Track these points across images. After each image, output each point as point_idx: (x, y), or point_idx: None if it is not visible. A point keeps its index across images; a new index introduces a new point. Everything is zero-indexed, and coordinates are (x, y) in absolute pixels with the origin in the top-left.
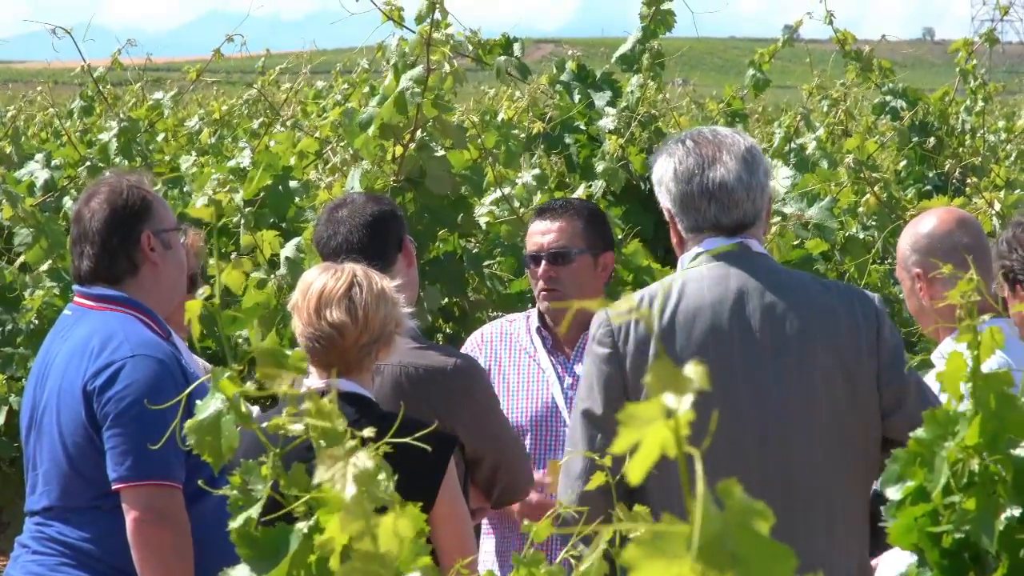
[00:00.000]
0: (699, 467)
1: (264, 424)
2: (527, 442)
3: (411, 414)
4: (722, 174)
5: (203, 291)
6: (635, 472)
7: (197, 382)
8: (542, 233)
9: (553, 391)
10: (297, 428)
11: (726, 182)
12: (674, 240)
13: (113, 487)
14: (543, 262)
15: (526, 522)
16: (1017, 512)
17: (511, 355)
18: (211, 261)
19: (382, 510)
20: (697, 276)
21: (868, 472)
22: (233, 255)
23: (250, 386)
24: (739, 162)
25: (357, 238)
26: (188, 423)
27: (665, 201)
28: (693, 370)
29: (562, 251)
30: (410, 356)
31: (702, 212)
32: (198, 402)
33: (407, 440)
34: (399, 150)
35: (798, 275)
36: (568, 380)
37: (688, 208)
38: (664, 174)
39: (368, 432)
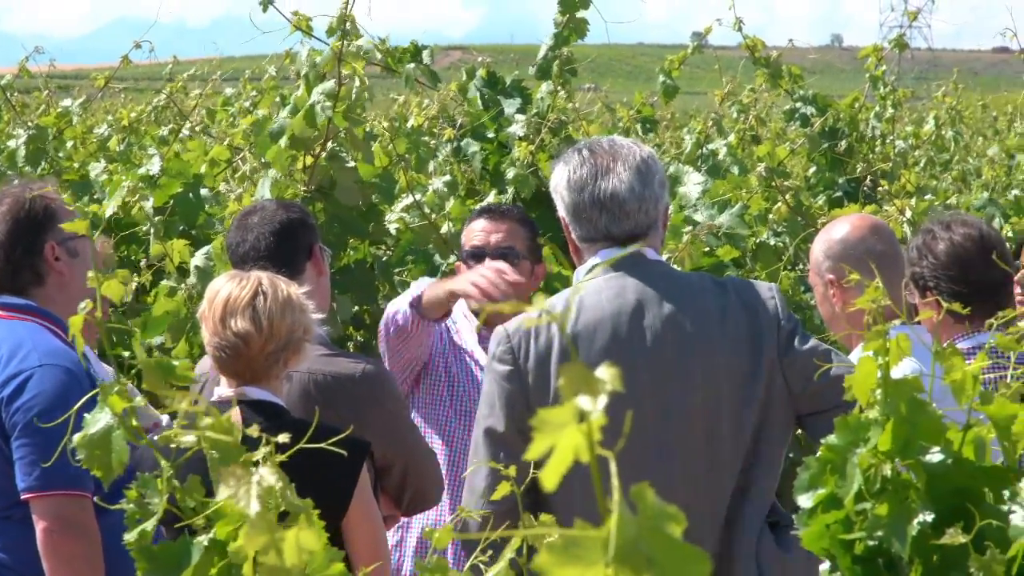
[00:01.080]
0: (614, 469)
1: (155, 437)
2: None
3: (323, 420)
4: (614, 184)
5: (84, 305)
6: (550, 478)
7: (86, 396)
8: (487, 232)
9: None
10: (189, 440)
11: (617, 193)
12: (570, 248)
13: (22, 497)
14: (486, 259)
15: (427, 528)
16: (930, 517)
17: (455, 351)
18: (90, 274)
19: (285, 516)
20: (595, 288)
21: (775, 466)
22: (143, 262)
23: (140, 400)
24: (632, 172)
25: (265, 245)
26: (76, 437)
27: (560, 209)
28: (605, 372)
29: (509, 251)
30: (319, 363)
31: (593, 222)
32: (86, 416)
33: (320, 446)
34: (309, 160)
35: (694, 277)
36: None
37: (580, 218)
38: (559, 182)
39: (283, 438)
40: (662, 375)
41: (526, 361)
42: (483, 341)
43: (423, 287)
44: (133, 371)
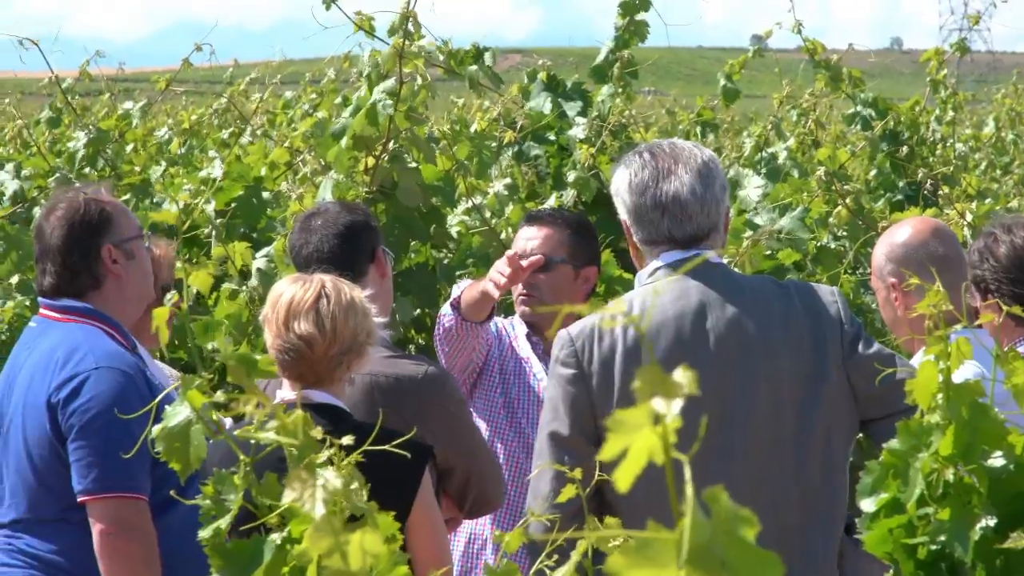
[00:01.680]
0: (688, 473)
1: (235, 432)
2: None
3: (386, 423)
4: (676, 187)
5: (171, 296)
6: (623, 479)
7: (165, 392)
8: (527, 239)
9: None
10: (267, 437)
11: (679, 195)
12: (632, 252)
13: (79, 500)
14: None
15: (497, 532)
16: (992, 522)
17: (515, 357)
18: (178, 265)
19: (355, 519)
20: (657, 291)
21: (841, 470)
22: (208, 261)
23: (220, 395)
24: (694, 175)
25: (328, 247)
26: (156, 429)
27: (621, 213)
28: (682, 375)
29: (543, 258)
30: (381, 365)
31: (655, 225)
32: (167, 408)
33: (383, 448)
34: (371, 161)
35: (756, 280)
36: None
37: (642, 220)
38: (620, 186)
39: (347, 440)
40: (725, 378)
41: (590, 364)
42: (535, 347)
43: (463, 288)
44: (212, 366)
